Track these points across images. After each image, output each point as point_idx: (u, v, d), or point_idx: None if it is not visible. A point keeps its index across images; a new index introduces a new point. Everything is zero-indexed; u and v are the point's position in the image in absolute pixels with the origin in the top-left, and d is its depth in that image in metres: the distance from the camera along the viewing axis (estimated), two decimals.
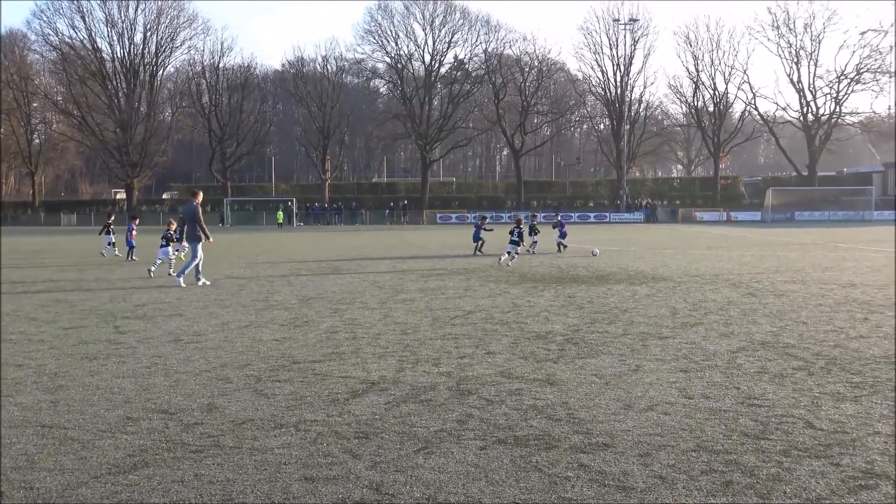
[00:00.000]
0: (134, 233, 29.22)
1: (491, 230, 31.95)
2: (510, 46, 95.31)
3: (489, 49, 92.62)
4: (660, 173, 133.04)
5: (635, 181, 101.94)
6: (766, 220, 77.17)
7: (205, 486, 5.79)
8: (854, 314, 14.11)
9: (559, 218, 32.13)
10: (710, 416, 7.56)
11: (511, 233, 26.81)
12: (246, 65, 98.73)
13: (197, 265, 20.08)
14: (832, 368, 9.63)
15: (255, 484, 5.82)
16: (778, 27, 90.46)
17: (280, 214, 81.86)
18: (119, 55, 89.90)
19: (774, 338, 11.76)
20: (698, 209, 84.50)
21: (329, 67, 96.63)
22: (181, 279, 19.75)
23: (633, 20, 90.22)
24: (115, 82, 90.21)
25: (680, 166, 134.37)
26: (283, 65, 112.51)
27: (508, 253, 25.84)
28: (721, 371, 9.50)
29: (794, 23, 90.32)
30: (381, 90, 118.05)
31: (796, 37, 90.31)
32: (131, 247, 28.80)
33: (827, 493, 5.65)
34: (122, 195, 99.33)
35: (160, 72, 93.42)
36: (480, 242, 31.45)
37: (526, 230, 28.65)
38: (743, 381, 8.95)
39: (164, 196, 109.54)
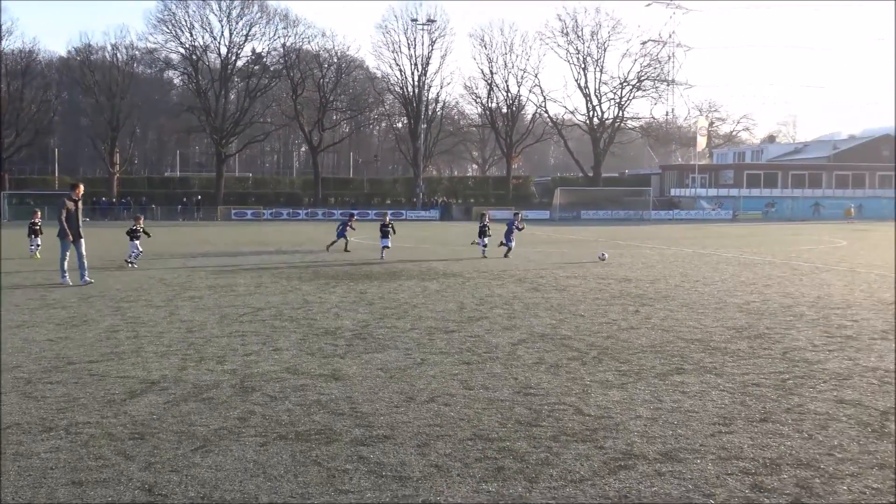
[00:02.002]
0: None
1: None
2: (309, 42, 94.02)
3: (287, 44, 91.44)
4: (455, 172, 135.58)
5: (431, 179, 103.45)
6: (554, 219, 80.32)
7: None
8: (627, 307, 14.99)
9: (516, 216, 29.47)
10: (488, 406, 7.84)
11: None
12: (27, 50, 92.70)
13: (61, 261, 18.79)
14: (603, 358, 10.20)
15: (17, 490, 5.55)
16: (567, 34, 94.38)
17: None
18: None
19: (553, 330, 12.32)
20: (491, 207, 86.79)
21: (119, 56, 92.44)
22: (85, 278, 18.73)
23: (430, 21, 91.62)
24: None
25: (475, 165, 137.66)
26: (68, 52, 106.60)
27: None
28: (501, 363, 9.87)
29: (581, 30, 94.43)
30: (175, 81, 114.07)
31: (584, 43, 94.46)
32: None
33: (589, 474, 6.00)
34: None
35: None
36: (345, 241, 29.97)
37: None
38: (521, 372, 9.34)
39: None
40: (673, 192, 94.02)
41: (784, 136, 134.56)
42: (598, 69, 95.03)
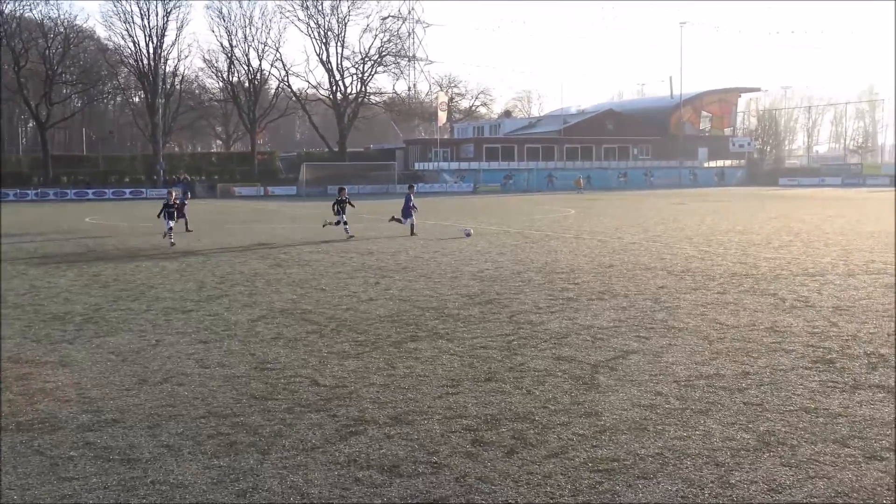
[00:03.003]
0: None
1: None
2: (31, 10, 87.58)
3: (6, 11, 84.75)
4: (199, 148, 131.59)
5: (173, 156, 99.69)
6: (301, 194, 79.90)
7: None
8: (368, 279, 15.31)
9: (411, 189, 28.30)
10: (224, 384, 7.84)
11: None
12: None
13: None
14: (342, 329, 10.42)
15: None
16: (307, 8, 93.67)
17: None
18: None
19: (294, 305, 12.41)
20: (237, 184, 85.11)
21: None
22: None
23: None
24: None
25: (219, 141, 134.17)
26: None
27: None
28: (240, 340, 9.85)
29: (322, 4, 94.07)
30: None
31: (324, 18, 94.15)
32: None
33: (321, 442, 6.18)
34: None
35: None
36: (184, 220, 27.78)
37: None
38: (259, 348, 9.37)
39: None
40: (417, 165, 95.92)
41: (520, 111, 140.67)
42: (339, 44, 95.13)
